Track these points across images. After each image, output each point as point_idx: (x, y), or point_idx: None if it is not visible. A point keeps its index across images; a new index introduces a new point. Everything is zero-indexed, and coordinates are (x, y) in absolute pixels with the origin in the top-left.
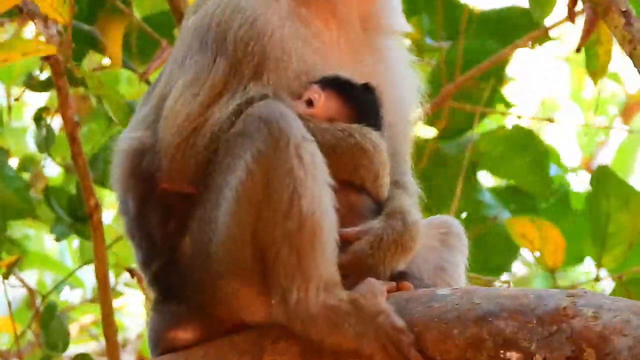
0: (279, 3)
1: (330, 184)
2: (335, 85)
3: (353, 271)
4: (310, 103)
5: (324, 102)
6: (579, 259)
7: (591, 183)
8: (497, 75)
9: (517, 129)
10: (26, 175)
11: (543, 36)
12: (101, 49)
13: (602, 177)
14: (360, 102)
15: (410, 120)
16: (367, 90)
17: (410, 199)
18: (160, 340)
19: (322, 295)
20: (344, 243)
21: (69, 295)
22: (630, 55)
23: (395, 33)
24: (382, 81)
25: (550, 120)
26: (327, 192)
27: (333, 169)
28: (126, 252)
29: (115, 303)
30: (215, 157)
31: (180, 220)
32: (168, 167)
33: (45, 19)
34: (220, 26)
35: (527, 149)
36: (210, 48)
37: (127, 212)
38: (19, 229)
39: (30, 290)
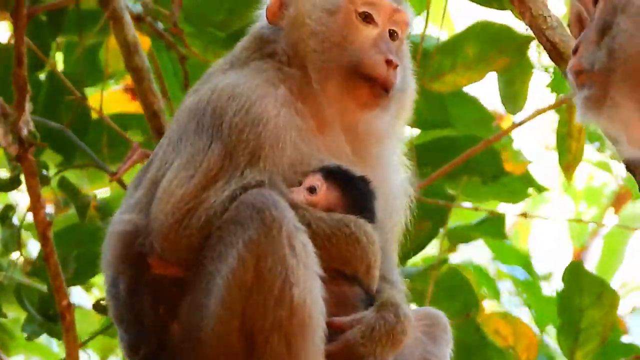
0: (276, 92)
1: (320, 274)
2: (336, 175)
3: (342, 359)
4: (312, 190)
5: (325, 191)
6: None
7: (563, 279)
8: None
9: (451, 270)
10: None
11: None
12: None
13: (574, 273)
14: (358, 194)
15: (399, 219)
16: (364, 182)
17: (400, 294)
18: None
19: None
20: (336, 332)
21: None
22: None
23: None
24: (373, 177)
25: (525, 215)
26: (317, 281)
27: (327, 257)
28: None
29: None
30: (208, 241)
31: (170, 305)
32: (160, 248)
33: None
34: (217, 111)
35: (456, 295)
36: (206, 132)
37: (116, 295)
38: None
39: None
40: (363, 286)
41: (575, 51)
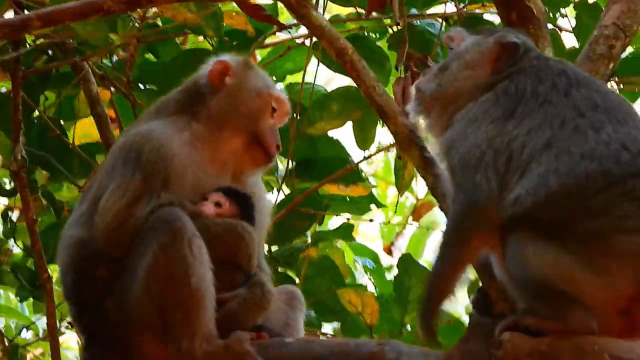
0: (181, 136)
1: (211, 268)
2: (232, 193)
3: (227, 323)
4: (218, 205)
5: (228, 205)
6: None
7: (397, 266)
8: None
9: (323, 255)
10: None
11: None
12: (51, 167)
13: (405, 261)
14: (245, 206)
15: (264, 226)
16: (248, 198)
17: (266, 276)
18: None
19: (204, 344)
20: (223, 304)
21: (26, 335)
22: (424, 177)
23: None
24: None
25: (371, 220)
26: (209, 273)
27: (221, 251)
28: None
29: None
30: (134, 242)
31: (106, 288)
32: (103, 247)
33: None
34: (137, 149)
35: (326, 273)
36: (130, 164)
37: (66, 284)
38: None
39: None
40: (244, 272)
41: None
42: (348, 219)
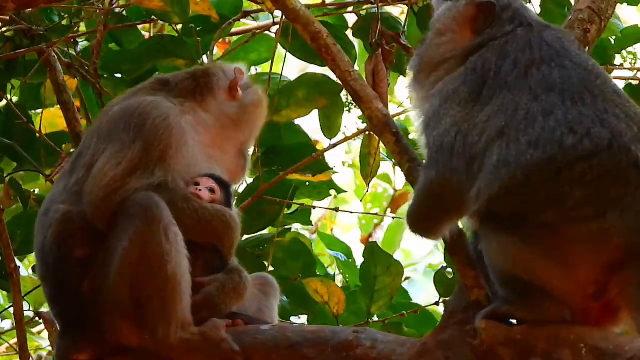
0: (186, 116)
1: (187, 255)
2: (220, 181)
3: (204, 307)
4: (212, 191)
5: (219, 193)
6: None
7: (364, 255)
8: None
9: (294, 240)
10: None
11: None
12: (18, 156)
13: (372, 250)
14: (228, 193)
15: None
16: (230, 187)
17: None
18: None
19: (179, 332)
20: (200, 287)
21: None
22: (399, 163)
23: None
24: None
25: (337, 209)
26: (185, 260)
27: (206, 236)
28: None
29: (35, 329)
30: (112, 226)
31: (83, 270)
32: (90, 214)
33: None
34: (142, 116)
35: (298, 258)
36: (132, 131)
37: (46, 262)
38: None
39: None
40: (223, 257)
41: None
42: (309, 208)
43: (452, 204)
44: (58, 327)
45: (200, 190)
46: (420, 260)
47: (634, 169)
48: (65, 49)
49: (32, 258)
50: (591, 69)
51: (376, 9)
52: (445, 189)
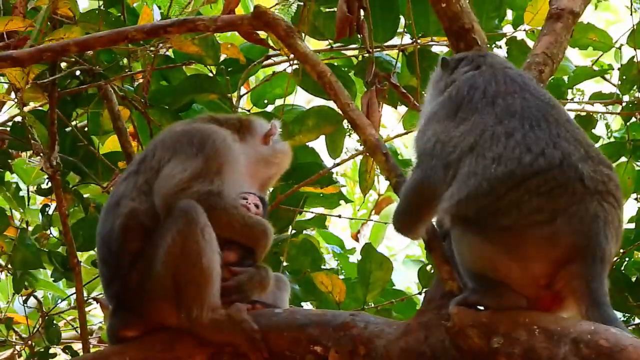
0: (237, 144)
1: (219, 252)
2: (262, 200)
3: (235, 291)
4: (257, 206)
5: (261, 208)
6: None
7: (361, 254)
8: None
9: (305, 240)
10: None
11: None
12: (81, 172)
13: (367, 250)
14: (265, 209)
15: None
16: (267, 204)
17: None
18: (115, 336)
19: (210, 313)
20: (235, 275)
21: (60, 304)
22: (388, 178)
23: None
24: None
25: (340, 216)
26: (217, 255)
27: (247, 238)
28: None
29: (87, 308)
30: (160, 226)
31: (133, 262)
32: (160, 205)
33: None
34: (201, 136)
35: (307, 254)
36: (195, 146)
37: (110, 248)
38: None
39: (39, 302)
40: (254, 257)
41: None
42: (324, 215)
43: (430, 202)
44: (110, 307)
45: (249, 203)
46: (399, 251)
47: (579, 183)
48: (120, 85)
49: (89, 254)
50: (547, 101)
51: (372, 53)
52: (426, 187)
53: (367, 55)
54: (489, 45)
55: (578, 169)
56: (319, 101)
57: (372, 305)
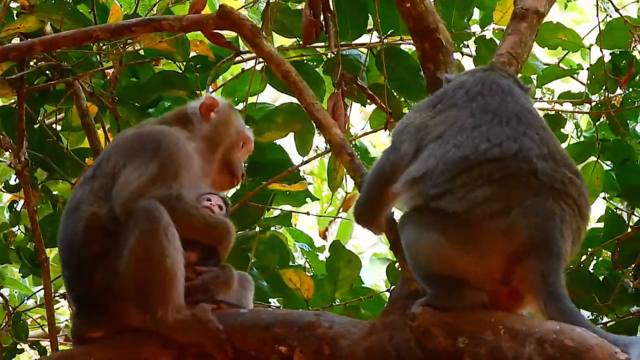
0: (190, 144)
1: (182, 251)
2: (224, 198)
3: (199, 290)
4: (220, 208)
5: (224, 209)
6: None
7: (330, 251)
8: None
9: (273, 236)
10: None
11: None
12: (49, 168)
13: (336, 247)
14: (228, 209)
15: None
16: (229, 204)
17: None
18: (79, 336)
19: (175, 314)
20: (199, 275)
21: (27, 302)
22: (353, 177)
23: None
24: None
25: (308, 213)
26: (180, 255)
27: (208, 238)
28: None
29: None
30: (123, 227)
31: (97, 264)
32: (119, 211)
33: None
34: (155, 140)
35: (275, 251)
36: (149, 151)
37: (72, 251)
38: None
39: (5, 300)
40: (218, 256)
41: None
42: (291, 212)
43: (389, 182)
44: (74, 308)
45: (212, 205)
46: (366, 249)
47: (533, 177)
48: (89, 81)
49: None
50: (528, 107)
51: (340, 52)
52: (390, 164)
53: (334, 55)
54: (456, 45)
55: (532, 163)
56: (287, 98)
57: (340, 302)
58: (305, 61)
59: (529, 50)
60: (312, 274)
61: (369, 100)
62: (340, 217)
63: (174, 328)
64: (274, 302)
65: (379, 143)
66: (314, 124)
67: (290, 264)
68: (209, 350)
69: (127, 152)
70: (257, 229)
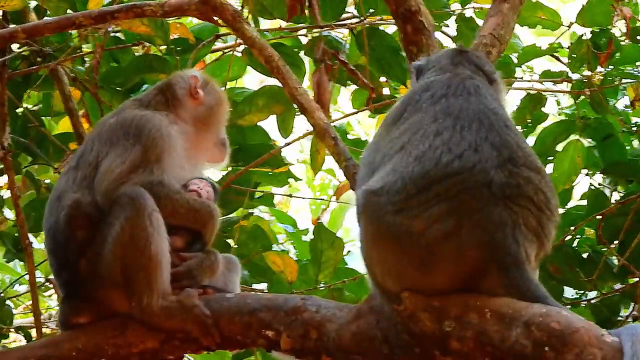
0: (173, 126)
1: (167, 238)
2: (211, 183)
3: (184, 276)
4: (208, 192)
5: (212, 193)
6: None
7: (313, 233)
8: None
9: (254, 224)
10: None
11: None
12: (33, 153)
13: (319, 229)
14: (216, 193)
15: None
16: (217, 188)
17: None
18: (66, 322)
19: (160, 300)
20: (184, 261)
21: (18, 288)
22: (337, 162)
23: None
24: None
25: (291, 195)
26: (165, 242)
27: (193, 222)
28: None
29: (46, 293)
30: (107, 214)
31: (82, 250)
32: (101, 200)
33: None
34: (138, 126)
35: (257, 238)
36: (131, 137)
37: (57, 240)
38: None
39: None
40: (203, 241)
41: None
42: (273, 194)
43: None
44: (61, 294)
45: (200, 189)
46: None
47: (485, 189)
48: (71, 66)
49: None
50: (492, 108)
51: (321, 31)
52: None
53: (316, 33)
54: (437, 24)
55: (488, 175)
56: (272, 82)
57: (324, 285)
58: (286, 44)
59: (512, 31)
60: (296, 258)
61: (349, 81)
62: (332, 201)
63: (160, 314)
64: (260, 287)
65: (363, 123)
66: (294, 106)
67: (275, 248)
68: (195, 335)
69: (109, 140)
70: (239, 217)
